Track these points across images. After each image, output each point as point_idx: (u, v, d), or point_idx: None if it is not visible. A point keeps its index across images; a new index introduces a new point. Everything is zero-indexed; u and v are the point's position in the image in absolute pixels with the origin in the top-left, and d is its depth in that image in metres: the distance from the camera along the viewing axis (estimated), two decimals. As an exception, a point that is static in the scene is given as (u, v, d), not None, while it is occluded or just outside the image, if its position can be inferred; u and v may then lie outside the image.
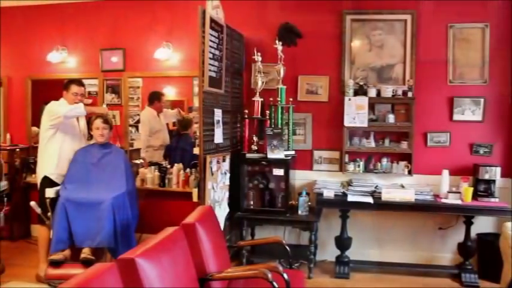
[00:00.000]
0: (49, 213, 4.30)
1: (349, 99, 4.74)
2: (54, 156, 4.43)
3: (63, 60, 5.77)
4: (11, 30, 6.00)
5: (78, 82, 4.68)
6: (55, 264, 4.05)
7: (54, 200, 4.27)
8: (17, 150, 5.76)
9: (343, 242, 4.71)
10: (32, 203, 4.36)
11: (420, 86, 4.81)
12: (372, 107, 4.83)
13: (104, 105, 4.58)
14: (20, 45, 5.98)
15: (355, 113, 4.73)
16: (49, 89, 4.72)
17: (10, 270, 4.74)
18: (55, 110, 4.39)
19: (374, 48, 4.95)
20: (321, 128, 5.05)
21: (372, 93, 4.74)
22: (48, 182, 4.39)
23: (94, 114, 4.67)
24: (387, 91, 4.71)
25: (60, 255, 4.07)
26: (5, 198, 4.87)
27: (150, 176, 5.28)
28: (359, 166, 4.85)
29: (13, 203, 5.10)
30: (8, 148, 5.75)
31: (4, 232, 5.18)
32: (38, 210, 4.34)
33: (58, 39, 5.77)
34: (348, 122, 4.76)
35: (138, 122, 5.78)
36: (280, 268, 2.88)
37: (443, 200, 4.45)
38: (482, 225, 4.67)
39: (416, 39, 4.81)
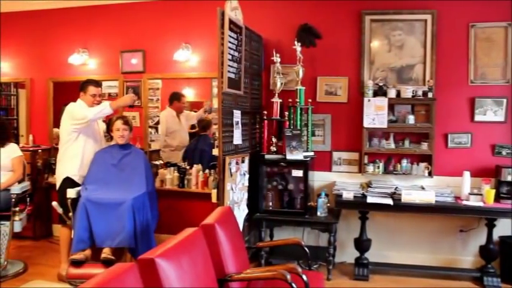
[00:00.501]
0: (70, 213, 4.35)
1: (369, 100, 4.71)
2: (77, 157, 4.49)
3: (84, 63, 5.85)
4: (34, 34, 6.12)
5: (96, 83, 4.71)
6: (76, 263, 4.10)
7: (75, 201, 4.33)
8: (39, 151, 5.85)
9: (362, 244, 4.68)
10: (54, 203, 4.42)
11: (441, 86, 4.76)
12: (391, 107, 4.79)
13: (130, 91, 4.58)
14: (42, 48, 6.09)
15: (375, 114, 4.70)
16: (70, 91, 4.78)
17: (33, 269, 4.84)
18: (80, 113, 4.43)
19: (394, 48, 4.91)
20: (340, 129, 5.02)
21: (392, 94, 4.71)
22: (69, 182, 4.45)
23: (120, 107, 4.74)
24: (407, 92, 4.66)
25: (81, 255, 4.11)
26: (28, 198, 4.93)
27: (169, 177, 5.33)
28: (378, 167, 4.81)
29: (35, 203, 5.17)
30: (31, 149, 5.85)
31: (26, 231, 5.26)
32: (60, 210, 4.40)
33: (79, 41, 5.86)
34: (367, 123, 4.73)
35: (157, 123, 5.83)
36: (299, 269, 2.87)
37: (465, 202, 4.39)
38: (505, 227, 4.58)
39: (437, 39, 4.76)
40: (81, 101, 4.62)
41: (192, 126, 6.03)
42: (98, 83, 4.74)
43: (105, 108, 4.48)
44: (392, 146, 4.81)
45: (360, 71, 4.95)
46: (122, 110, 5.51)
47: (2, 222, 4.59)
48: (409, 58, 4.87)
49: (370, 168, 4.82)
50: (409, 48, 4.86)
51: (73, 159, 4.50)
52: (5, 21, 6.23)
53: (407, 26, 4.85)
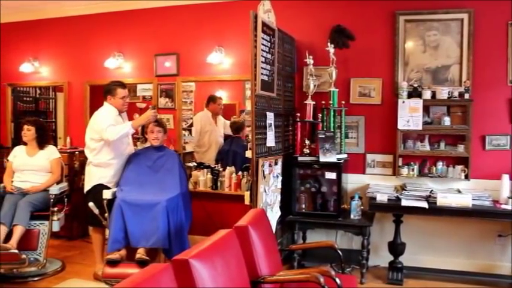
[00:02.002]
0: (106, 214, 4.44)
1: (403, 102, 4.64)
2: (112, 166, 4.55)
3: (119, 66, 5.96)
4: (71, 39, 6.29)
5: (122, 84, 4.67)
6: (112, 263, 4.17)
7: (110, 202, 4.41)
8: (76, 153, 5.98)
9: (396, 248, 4.61)
10: (91, 204, 4.51)
11: (478, 87, 4.64)
12: (426, 109, 4.70)
13: (150, 108, 4.58)
14: (79, 53, 6.24)
15: (409, 115, 4.63)
16: (106, 94, 4.85)
17: (70, 268, 4.95)
18: (105, 135, 4.36)
19: (429, 49, 4.83)
20: (373, 131, 4.97)
21: (427, 95, 4.62)
22: (103, 186, 4.52)
23: (142, 124, 4.71)
24: (443, 93, 4.57)
25: (117, 255, 4.19)
26: (65, 199, 5.06)
27: (202, 179, 5.38)
28: (413, 170, 4.74)
29: (72, 203, 5.30)
30: (68, 151, 5.99)
31: (64, 231, 5.39)
32: (96, 211, 4.49)
33: (115, 46, 5.98)
34: (401, 125, 4.66)
35: (191, 125, 5.90)
36: (333, 272, 2.86)
37: (503, 206, 4.26)
38: (546, 232, 4.46)
39: (474, 39, 4.66)
40: (109, 105, 4.58)
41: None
42: (124, 84, 4.70)
43: (128, 128, 4.45)
44: (428, 148, 4.73)
45: (394, 72, 4.88)
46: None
47: (42, 222, 4.73)
48: (444, 58, 4.78)
49: (404, 170, 4.75)
50: (445, 49, 4.77)
51: (107, 167, 4.55)
52: (43, 28, 6.43)
53: (443, 26, 4.76)
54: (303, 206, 4.71)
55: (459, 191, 4.53)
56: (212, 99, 5.92)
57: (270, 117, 4.38)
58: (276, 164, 4.37)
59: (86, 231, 6.06)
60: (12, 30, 6.63)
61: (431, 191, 4.50)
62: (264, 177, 4.10)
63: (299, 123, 4.72)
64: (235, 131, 5.87)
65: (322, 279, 2.65)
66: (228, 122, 6.04)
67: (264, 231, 3.24)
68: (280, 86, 4.64)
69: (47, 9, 6.29)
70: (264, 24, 4.11)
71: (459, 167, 4.64)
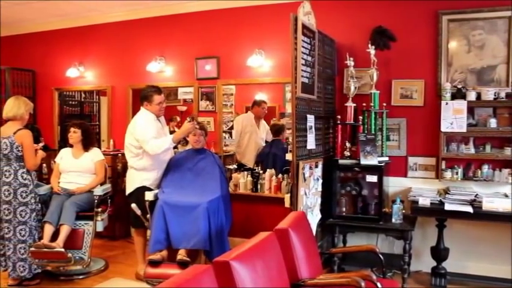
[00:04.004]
0: (148, 215, 4.52)
1: (446, 104, 4.53)
2: (155, 171, 4.64)
3: (161, 70, 6.07)
4: (115, 44, 6.45)
5: (159, 90, 4.68)
6: (153, 264, 4.25)
7: (151, 203, 4.49)
8: (119, 155, 6.12)
9: (439, 253, 4.51)
10: (133, 205, 4.60)
11: (526, 87, 4.49)
12: (471, 111, 4.57)
13: (187, 120, 4.61)
14: (122, 57, 6.40)
15: (453, 117, 4.52)
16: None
17: (113, 267, 5.07)
18: (146, 147, 4.41)
19: (473, 48, 4.70)
20: (416, 134, 4.88)
21: (471, 96, 4.50)
22: (145, 188, 4.61)
23: (182, 137, 4.75)
24: (488, 94, 4.44)
25: (158, 256, 4.26)
26: (109, 200, 5.19)
27: (242, 181, 5.41)
28: (457, 173, 4.62)
29: (115, 204, 5.43)
30: (111, 153, 6.14)
31: (107, 231, 5.52)
32: (138, 212, 4.58)
33: (157, 50, 6.10)
34: (445, 127, 4.55)
35: (231, 128, 5.94)
36: (374, 277, 2.83)
37: (554, 212, 4.11)
38: None
39: (522, 38, 4.51)
40: (146, 111, 4.61)
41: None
42: (160, 90, 4.71)
43: (169, 143, 4.48)
44: (472, 151, 4.60)
45: (437, 74, 4.78)
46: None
47: (86, 222, 4.86)
48: (490, 58, 4.64)
49: (448, 174, 4.64)
50: (491, 48, 4.63)
51: (151, 172, 4.63)
52: (88, 34, 6.63)
53: (489, 25, 4.62)
54: (344, 209, 4.66)
55: (506, 196, 4.37)
56: (257, 103, 5.97)
57: (311, 119, 4.36)
58: (316, 166, 4.35)
59: (128, 232, 6.19)
60: (59, 37, 6.88)
61: (476, 195, 4.37)
62: (305, 180, 4.09)
63: (340, 126, 4.68)
64: (276, 133, 5.88)
65: (363, 284, 2.63)
66: (269, 128, 6.06)
67: (305, 234, 3.23)
68: (320, 88, 4.62)
69: (92, 16, 6.48)
70: (304, 26, 4.10)
71: (506, 171, 4.49)
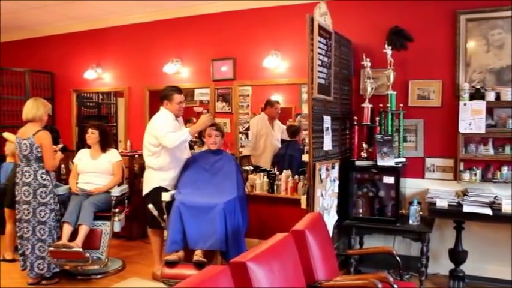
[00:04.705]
0: (165, 216, 4.55)
1: (465, 104, 4.48)
2: (172, 170, 4.67)
3: (177, 71, 6.11)
4: (132, 46, 6.51)
5: (179, 90, 4.74)
6: (170, 264, 4.27)
7: (168, 204, 4.51)
8: (136, 156, 6.17)
9: (458, 255, 4.45)
10: (150, 206, 4.63)
11: (547, 88, 4.42)
12: (490, 111, 4.51)
13: (204, 113, 4.63)
14: (139, 59, 6.46)
15: (471, 118, 4.46)
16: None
17: (130, 267, 5.11)
18: (164, 141, 4.45)
19: (492, 48, 4.64)
20: (433, 135, 4.83)
21: (490, 97, 4.44)
22: (162, 189, 4.64)
23: (199, 130, 4.77)
24: (508, 94, 4.37)
25: (175, 256, 4.28)
26: (126, 201, 5.23)
27: (259, 182, 5.41)
28: (475, 175, 4.56)
29: (132, 205, 5.47)
30: (129, 154, 6.18)
31: (124, 232, 5.56)
32: (155, 212, 4.61)
33: (173, 51, 6.14)
34: (463, 128, 4.49)
35: (247, 129, 5.95)
36: (391, 279, 2.81)
37: None
38: None
39: (543, 36, 4.44)
40: (165, 110, 4.67)
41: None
42: (180, 90, 4.77)
43: (186, 135, 4.52)
44: (491, 152, 4.54)
45: (455, 74, 4.73)
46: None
47: (104, 222, 4.90)
48: (510, 58, 4.57)
49: (466, 175, 4.58)
50: (510, 48, 4.56)
51: (168, 171, 4.66)
52: (105, 36, 6.70)
53: (508, 24, 4.55)
54: (360, 210, 4.64)
55: (526, 198, 4.32)
56: (270, 103, 5.97)
57: (327, 120, 4.35)
58: (332, 168, 4.34)
59: (145, 232, 6.22)
60: (77, 40, 6.97)
61: (496, 197, 4.31)
62: (321, 181, 4.08)
63: (356, 127, 4.66)
64: (292, 134, 5.87)
65: (380, 286, 2.61)
66: (284, 127, 6.06)
67: (321, 235, 3.22)
68: (336, 89, 4.61)
69: (110, 19, 6.55)
70: (320, 27, 4.09)
71: (526, 172, 4.43)
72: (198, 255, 4.22)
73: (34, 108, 4.56)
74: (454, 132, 4.58)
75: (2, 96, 6.60)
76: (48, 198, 4.53)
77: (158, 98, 4.83)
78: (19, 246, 4.64)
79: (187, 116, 6.19)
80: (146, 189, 4.73)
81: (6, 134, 5.35)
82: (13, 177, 4.81)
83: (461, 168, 4.62)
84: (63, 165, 6.14)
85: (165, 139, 4.44)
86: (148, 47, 6.39)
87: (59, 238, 4.59)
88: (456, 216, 4.34)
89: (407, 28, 4.72)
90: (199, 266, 4.12)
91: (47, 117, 4.68)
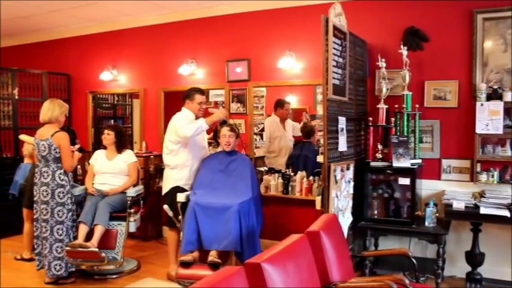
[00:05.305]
0: (180, 217, 4.57)
1: (482, 105, 4.43)
2: (186, 167, 4.71)
3: (192, 72, 6.13)
4: (147, 47, 6.55)
5: (201, 91, 4.88)
6: (185, 264, 4.29)
7: (184, 204, 4.54)
8: (151, 157, 6.21)
9: (474, 258, 4.40)
10: (165, 207, 4.67)
11: None
12: (507, 112, 4.44)
13: (220, 108, 4.70)
14: (154, 60, 6.50)
15: (488, 119, 4.41)
16: (179, 100, 5.01)
17: (145, 268, 5.14)
18: (182, 132, 4.54)
19: (510, 48, 4.57)
20: (449, 136, 4.79)
21: (508, 97, 4.38)
22: (179, 189, 4.68)
23: (215, 122, 4.86)
24: (526, 95, 4.33)
25: (190, 257, 4.30)
26: (141, 201, 5.27)
27: (273, 183, 5.41)
28: (493, 176, 4.51)
29: (147, 205, 5.50)
30: (144, 155, 6.23)
31: (139, 232, 5.60)
32: (170, 213, 4.63)
33: (188, 53, 6.16)
34: (480, 129, 4.44)
35: (262, 130, 5.95)
36: (407, 281, 2.79)
37: None
38: None
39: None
40: (186, 109, 4.78)
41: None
42: (202, 91, 4.91)
43: (202, 126, 4.60)
44: (509, 153, 4.48)
45: (472, 74, 4.68)
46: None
47: (119, 223, 4.94)
48: (528, 58, 4.52)
49: (483, 177, 4.53)
50: (529, 48, 4.52)
51: (183, 169, 4.71)
52: (121, 38, 6.76)
53: (526, 24, 4.51)
54: (375, 212, 4.62)
55: (544, 199, 4.26)
56: (280, 104, 5.95)
57: (342, 121, 4.34)
58: (347, 169, 4.32)
59: (160, 233, 6.28)
60: (93, 42, 7.04)
61: (514, 198, 4.26)
62: (336, 182, 4.07)
63: (371, 128, 4.64)
64: (306, 135, 5.86)
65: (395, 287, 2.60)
66: (296, 124, 6.05)
67: (336, 237, 3.21)
68: (351, 90, 4.59)
69: (125, 21, 6.60)
70: (335, 28, 4.08)
71: (544, 174, 4.37)
72: (212, 256, 4.23)
73: (50, 110, 4.61)
74: (471, 133, 4.53)
75: (20, 97, 6.67)
76: (66, 198, 4.58)
77: (174, 99, 4.92)
78: (35, 246, 4.71)
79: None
80: (165, 189, 4.80)
81: (22, 136, 5.43)
82: (31, 178, 4.89)
83: (478, 169, 4.57)
84: (79, 166, 6.21)
85: (182, 129, 4.53)
86: (163, 48, 6.43)
87: (76, 238, 4.64)
88: (473, 218, 4.29)
89: (423, 28, 4.69)
90: (214, 266, 4.14)
91: (64, 118, 4.73)
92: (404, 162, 4.39)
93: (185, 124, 4.57)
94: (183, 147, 4.66)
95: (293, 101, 6.11)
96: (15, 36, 7.65)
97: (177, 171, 4.71)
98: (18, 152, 6.38)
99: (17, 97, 6.63)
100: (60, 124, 4.70)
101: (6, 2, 5.64)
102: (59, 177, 4.54)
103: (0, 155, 6.55)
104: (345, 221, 4.26)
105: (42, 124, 4.65)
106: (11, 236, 6.21)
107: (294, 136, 6.07)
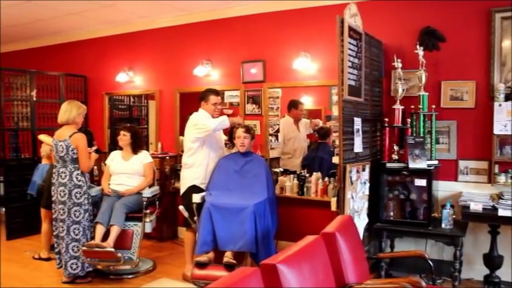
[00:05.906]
0: (195, 217, 4.59)
1: (500, 105, 4.37)
2: (202, 166, 4.75)
3: (207, 74, 6.15)
4: (163, 49, 6.59)
5: (216, 92, 4.94)
6: (200, 265, 4.31)
7: (199, 205, 4.55)
8: (167, 157, 6.25)
9: (493, 260, 4.34)
10: (181, 207, 4.70)
11: None
12: (526, 112, 4.42)
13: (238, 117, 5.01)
14: (170, 62, 6.53)
15: (507, 119, 4.35)
16: (195, 101, 5.03)
17: (160, 268, 5.17)
18: (204, 123, 4.64)
19: (529, 48, 4.52)
20: (466, 137, 4.73)
21: (527, 97, 4.34)
22: (196, 189, 4.70)
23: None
24: (545, 95, 4.27)
25: (205, 257, 4.31)
26: (157, 202, 5.30)
27: (289, 184, 5.40)
28: (511, 178, 4.46)
29: (163, 206, 5.53)
30: (159, 156, 6.26)
31: (154, 232, 5.63)
32: (186, 214, 4.66)
33: (203, 54, 6.18)
34: (497, 130, 4.39)
35: (277, 131, 5.95)
36: (423, 283, 2.77)
37: None
38: None
39: None
40: (202, 110, 4.85)
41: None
42: (217, 92, 4.96)
43: (225, 121, 4.72)
44: (528, 154, 4.43)
45: (489, 74, 4.62)
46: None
47: (135, 223, 4.98)
48: (547, 58, 4.46)
49: (501, 178, 4.47)
50: (548, 47, 4.45)
51: (199, 167, 4.74)
52: (137, 40, 6.81)
53: (546, 22, 4.44)
54: (391, 213, 4.58)
55: None
56: (293, 105, 5.94)
57: (358, 122, 4.32)
58: (363, 170, 4.30)
59: (175, 233, 6.32)
60: (109, 44, 7.10)
61: (533, 200, 4.20)
62: (352, 183, 4.05)
63: (387, 129, 4.61)
64: (322, 136, 5.85)
65: (412, 290, 2.58)
66: (307, 121, 6.04)
67: (352, 238, 3.20)
68: (367, 90, 4.56)
69: (141, 23, 6.65)
70: (350, 28, 4.07)
71: None
72: (228, 257, 4.25)
73: (67, 111, 4.67)
74: (489, 133, 4.48)
75: (38, 99, 6.76)
76: (83, 198, 4.63)
77: (189, 100, 4.96)
78: (55, 245, 4.77)
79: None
80: (182, 189, 4.85)
81: (41, 137, 5.49)
82: (49, 178, 4.95)
83: (496, 170, 4.51)
84: (95, 167, 6.25)
85: (205, 124, 4.63)
86: (178, 50, 6.46)
87: (93, 238, 4.68)
88: (491, 220, 4.23)
89: (440, 28, 4.65)
90: (229, 267, 4.15)
91: (81, 119, 4.78)
92: (421, 164, 4.35)
93: (207, 119, 4.67)
94: (201, 146, 4.70)
95: (308, 102, 6.10)
96: (33, 39, 7.77)
97: (193, 170, 4.75)
98: (36, 153, 6.46)
99: (35, 99, 6.71)
100: (78, 125, 4.75)
101: (24, 6, 5.72)
102: (76, 178, 4.59)
103: (18, 156, 6.63)
104: (361, 222, 4.24)
105: (60, 125, 4.71)
106: (30, 236, 6.30)
107: (307, 135, 6.06)
